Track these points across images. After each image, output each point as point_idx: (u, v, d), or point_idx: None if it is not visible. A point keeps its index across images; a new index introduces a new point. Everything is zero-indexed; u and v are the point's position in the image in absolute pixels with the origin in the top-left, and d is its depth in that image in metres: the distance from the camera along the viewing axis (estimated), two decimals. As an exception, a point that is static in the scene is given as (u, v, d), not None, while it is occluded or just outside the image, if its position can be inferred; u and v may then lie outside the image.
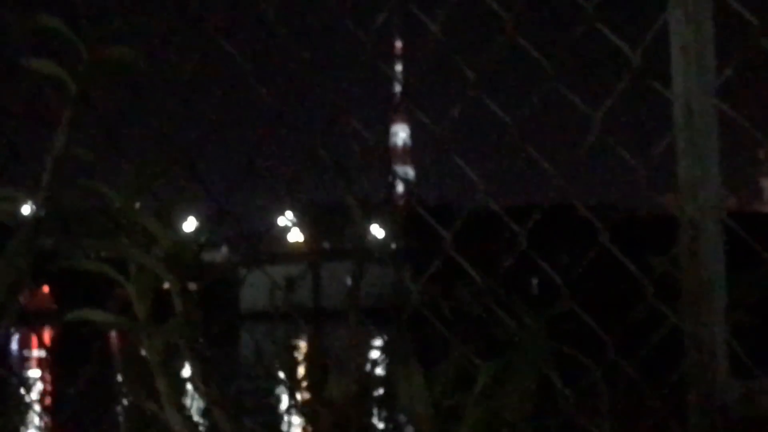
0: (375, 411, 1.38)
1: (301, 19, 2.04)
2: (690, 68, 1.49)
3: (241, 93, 2.02)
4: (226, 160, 2.19)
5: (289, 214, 2.21)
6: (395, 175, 1.99)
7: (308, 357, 1.46)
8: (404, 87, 1.95)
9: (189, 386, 1.33)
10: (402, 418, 1.34)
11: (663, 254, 1.57)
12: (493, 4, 1.74)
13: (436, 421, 1.29)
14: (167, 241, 1.30)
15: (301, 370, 1.45)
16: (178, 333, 1.28)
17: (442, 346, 1.69)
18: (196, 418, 1.31)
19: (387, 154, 2.09)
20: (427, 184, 2.10)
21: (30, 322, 2.32)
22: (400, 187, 2.01)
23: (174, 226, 1.36)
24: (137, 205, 1.32)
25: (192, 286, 1.33)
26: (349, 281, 1.47)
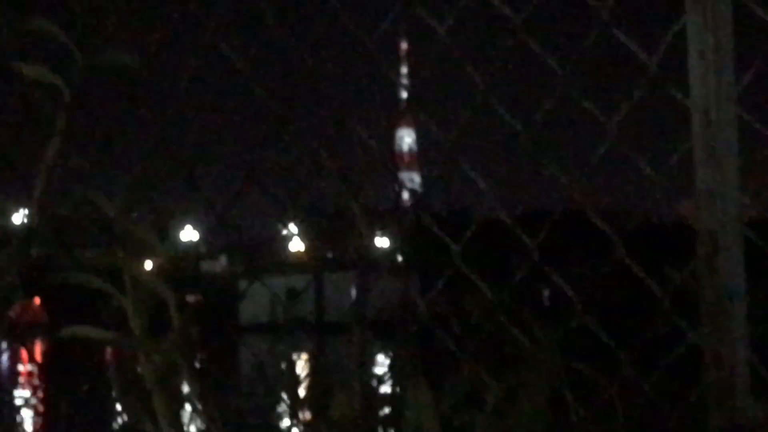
0: (381, 431, 1.38)
1: (304, 22, 2.04)
2: (708, 74, 1.49)
3: (241, 98, 2.02)
4: (226, 168, 2.19)
5: (290, 224, 2.21)
6: (401, 183, 1.99)
7: (311, 373, 1.45)
8: (410, 91, 1.95)
9: (187, 404, 1.33)
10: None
11: (681, 263, 1.57)
12: (503, 7, 1.74)
13: (444, 440, 1.29)
14: (164, 252, 1.30)
15: (303, 387, 1.45)
16: (175, 349, 1.28)
17: (451, 362, 1.68)
18: (194, 437, 1.31)
19: (392, 160, 2.09)
20: (434, 191, 2.10)
21: (20, 337, 2.32)
22: (405, 194, 2.01)
23: (171, 236, 1.36)
24: (133, 215, 1.32)
25: (190, 298, 1.33)
26: (353, 293, 1.47)
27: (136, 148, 2.07)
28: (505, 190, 1.84)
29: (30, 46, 1.41)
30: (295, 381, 1.46)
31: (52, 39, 1.35)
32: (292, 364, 1.51)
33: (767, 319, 1.76)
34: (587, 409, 1.53)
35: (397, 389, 1.41)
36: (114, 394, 1.37)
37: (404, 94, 1.98)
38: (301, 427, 1.40)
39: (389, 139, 2.03)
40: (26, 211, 1.37)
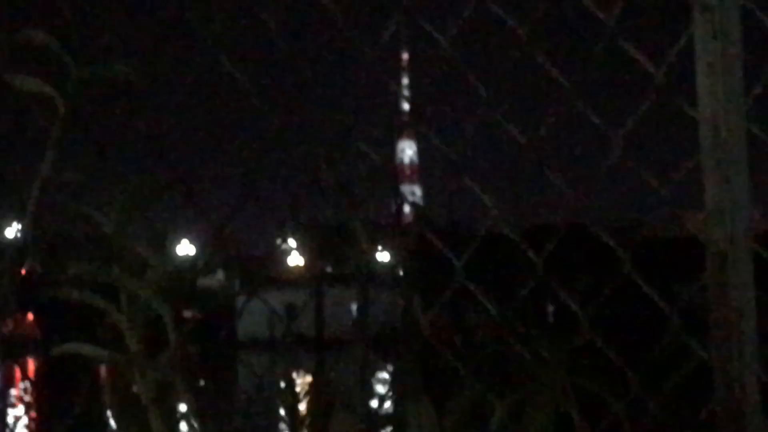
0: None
1: (303, 32, 2.04)
2: (717, 87, 1.49)
3: (240, 110, 2.02)
4: (224, 181, 2.19)
5: (289, 239, 2.20)
6: (402, 197, 1.99)
7: (311, 391, 1.45)
8: (412, 102, 1.95)
9: (183, 423, 1.32)
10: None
11: (689, 279, 1.57)
12: (508, 18, 1.74)
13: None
14: (161, 268, 1.30)
15: (303, 406, 1.45)
16: (172, 366, 1.28)
17: (454, 379, 1.68)
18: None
19: (394, 173, 2.10)
20: (436, 204, 2.09)
21: (13, 353, 2.31)
22: (406, 208, 2.01)
23: (168, 252, 1.36)
24: (129, 230, 1.32)
25: (187, 314, 1.33)
26: (353, 309, 1.47)
27: (132, 161, 2.07)
28: (508, 204, 1.84)
29: (24, 58, 1.41)
30: (295, 399, 1.46)
31: (47, 50, 1.35)
32: (291, 382, 1.51)
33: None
34: (594, 428, 1.52)
35: (399, 407, 1.41)
36: (108, 412, 1.36)
37: (406, 106, 1.98)
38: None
39: (390, 151, 2.03)
40: (20, 225, 1.37)
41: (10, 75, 1.33)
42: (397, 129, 2.07)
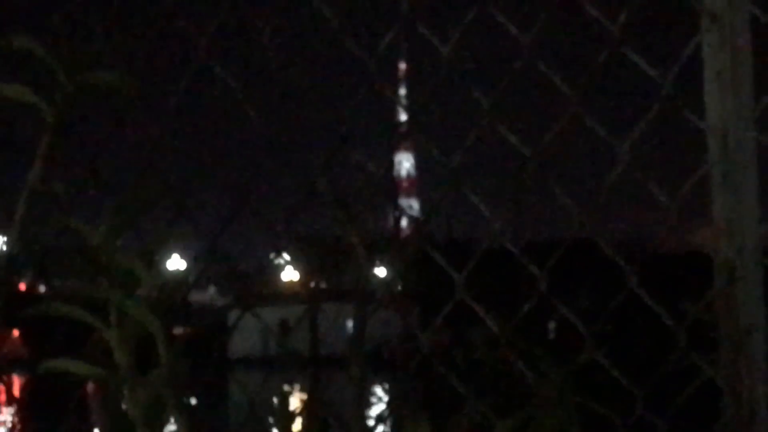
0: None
1: (299, 40, 2.04)
2: (726, 96, 1.49)
3: (234, 121, 2.02)
4: (217, 194, 2.19)
5: (283, 252, 2.20)
6: (401, 210, 1.99)
7: (305, 410, 1.45)
8: (410, 113, 1.95)
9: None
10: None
11: (697, 296, 1.57)
12: (510, 26, 1.74)
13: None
14: (151, 282, 1.30)
15: (297, 425, 1.44)
16: (162, 384, 1.27)
17: (454, 398, 1.68)
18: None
19: (392, 186, 2.09)
20: (435, 218, 2.09)
21: (-1, 371, 2.31)
22: (404, 222, 2.00)
23: (159, 266, 1.35)
24: (118, 243, 1.32)
25: (178, 330, 1.32)
26: (350, 326, 1.46)
27: (123, 173, 2.06)
28: (510, 218, 1.83)
29: (11, 66, 1.40)
30: (289, 418, 1.45)
31: (35, 58, 1.34)
32: (285, 400, 1.50)
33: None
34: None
35: (397, 427, 1.40)
36: (96, 431, 1.36)
37: (403, 117, 1.98)
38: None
39: (388, 162, 2.03)
40: (5, 239, 1.37)
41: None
42: (395, 139, 2.07)
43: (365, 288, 1.52)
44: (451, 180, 1.83)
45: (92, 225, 1.32)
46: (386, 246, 1.83)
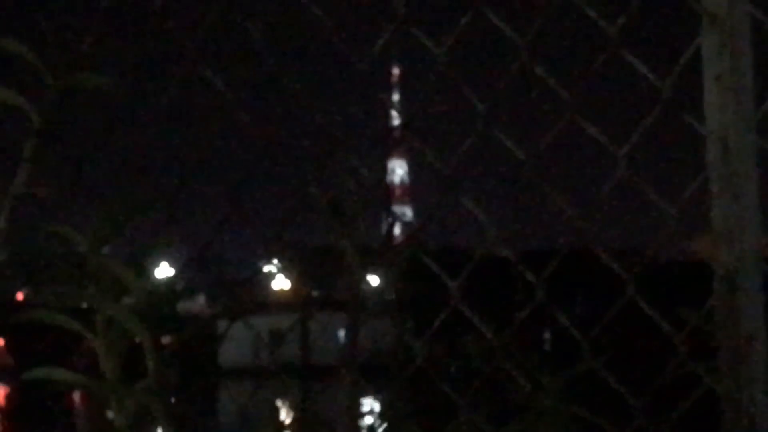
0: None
1: (291, 44, 2.04)
2: (726, 100, 1.49)
3: (224, 125, 2.02)
4: (207, 200, 2.19)
5: (275, 260, 2.19)
6: (395, 217, 1.98)
7: (297, 421, 1.45)
8: (404, 118, 1.94)
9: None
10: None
11: (696, 306, 1.56)
12: (506, 29, 1.74)
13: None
14: (139, 290, 1.29)
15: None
16: (150, 394, 1.27)
17: (448, 409, 1.67)
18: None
19: (386, 193, 2.09)
20: (430, 226, 2.09)
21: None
22: (397, 230, 2.00)
23: (147, 273, 1.35)
24: (106, 249, 1.31)
25: (166, 340, 1.32)
26: (342, 335, 1.46)
27: (111, 178, 2.06)
28: (507, 225, 1.83)
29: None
30: (280, 429, 1.45)
31: (21, 60, 1.34)
32: (275, 411, 1.50)
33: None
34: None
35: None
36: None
37: (397, 123, 1.97)
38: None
39: (382, 168, 2.02)
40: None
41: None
42: (388, 145, 2.07)
43: (358, 296, 1.52)
44: (446, 184, 1.83)
45: (80, 231, 1.32)
46: (379, 253, 1.83)
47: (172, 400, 1.29)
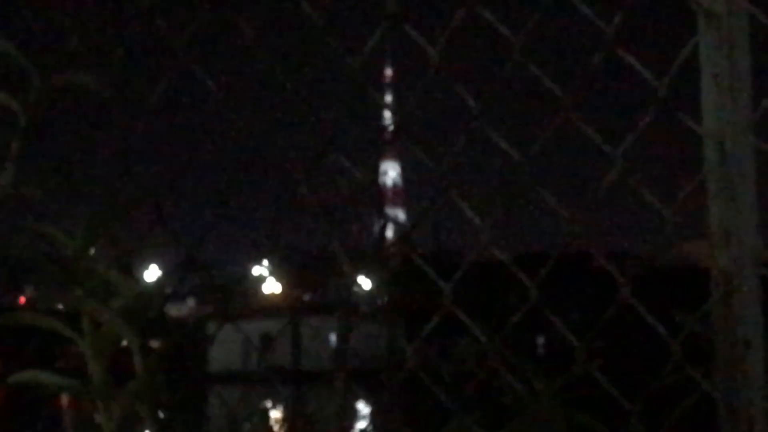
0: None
1: (283, 41, 2.04)
2: (723, 100, 1.49)
3: (214, 125, 2.01)
4: (196, 201, 2.18)
5: (265, 263, 2.19)
6: (387, 220, 1.98)
7: (287, 426, 1.44)
8: (397, 119, 1.94)
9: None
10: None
11: (692, 310, 1.56)
12: (500, 27, 1.74)
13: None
14: (127, 292, 1.29)
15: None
16: (137, 398, 1.27)
17: (440, 414, 1.67)
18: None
19: (378, 195, 2.09)
20: (422, 228, 2.09)
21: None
22: (389, 232, 2.00)
23: (135, 275, 1.34)
24: (93, 251, 1.31)
25: (155, 343, 1.31)
26: (333, 339, 1.46)
27: (98, 178, 2.05)
28: (500, 227, 1.83)
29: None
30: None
31: (8, 59, 1.34)
32: (265, 416, 1.50)
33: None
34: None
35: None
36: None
37: (389, 123, 1.97)
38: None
39: (374, 171, 2.02)
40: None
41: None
42: (380, 146, 2.06)
43: (349, 299, 1.52)
44: (438, 186, 1.83)
45: (68, 232, 1.31)
46: (371, 256, 1.82)
47: (160, 404, 1.29)
